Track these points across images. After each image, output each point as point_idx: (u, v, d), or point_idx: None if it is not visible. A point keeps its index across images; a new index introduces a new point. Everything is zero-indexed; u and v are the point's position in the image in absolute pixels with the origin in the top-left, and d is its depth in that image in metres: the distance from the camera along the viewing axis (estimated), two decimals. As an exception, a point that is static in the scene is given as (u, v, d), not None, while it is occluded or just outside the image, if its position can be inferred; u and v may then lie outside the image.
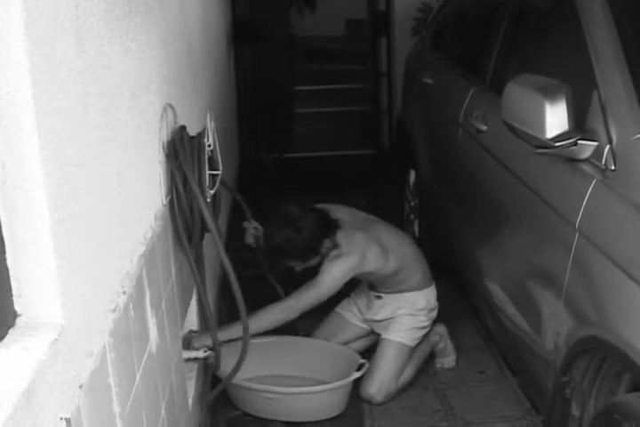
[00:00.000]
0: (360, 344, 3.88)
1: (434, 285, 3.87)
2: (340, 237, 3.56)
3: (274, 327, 3.55)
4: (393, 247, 3.70)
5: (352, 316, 3.92)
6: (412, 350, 3.76)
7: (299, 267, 3.59)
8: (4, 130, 1.29)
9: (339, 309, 3.95)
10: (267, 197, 6.20)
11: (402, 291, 3.77)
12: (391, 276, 3.70)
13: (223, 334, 3.25)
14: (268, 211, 3.60)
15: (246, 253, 3.94)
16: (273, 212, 3.57)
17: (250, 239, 3.81)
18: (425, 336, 3.84)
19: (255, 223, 3.72)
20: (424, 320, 3.79)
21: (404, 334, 3.72)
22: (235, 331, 3.21)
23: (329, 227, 3.53)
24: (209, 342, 3.11)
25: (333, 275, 3.52)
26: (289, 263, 3.57)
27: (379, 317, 3.82)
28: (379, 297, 3.82)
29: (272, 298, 3.85)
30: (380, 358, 3.67)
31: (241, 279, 2.77)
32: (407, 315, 3.75)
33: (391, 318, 3.77)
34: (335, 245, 3.54)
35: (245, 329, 2.89)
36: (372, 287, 3.86)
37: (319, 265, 3.58)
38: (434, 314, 3.85)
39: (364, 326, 3.90)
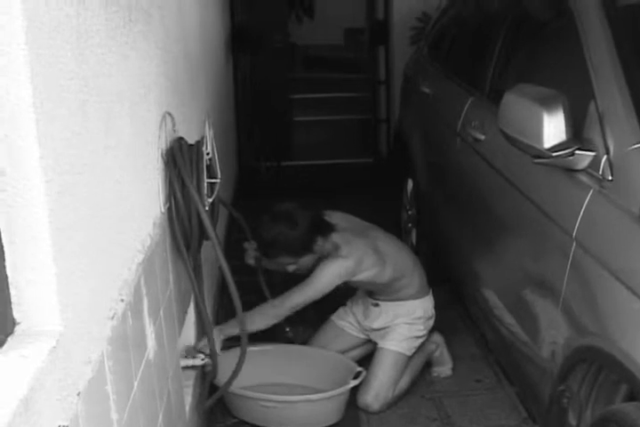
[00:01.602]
0: (356, 353, 3.88)
1: (431, 293, 3.87)
2: (340, 240, 3.57)
3: (266, 326, 3.54)
4: (390, 255, 3.70)
5: (348, 325, 3.92)
6: (409, 360, 3.76)
7: (292, 267, 3.58)
8: (5, 138, 1.29)
9: (335, 318, 3.95)
10: (264, 205, 6.20)
11: (399, 299, 3.77)
12: (388, 284, 3.70)
13: (223, 329, 3.36)
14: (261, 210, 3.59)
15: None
16: (267, 208, 3.57)
17: (250, 260, 3.80)
18: (421, 345, 3.84)
19: (256, 244, 3.71)
20: (421, 329, 3.79)
21: (402, 343, 3.72)
22: (233, 326, 3.27)
23: (322, 226, 3.54)
24: (235, 331, 3.16)
25: (326, 275, 3.51)
26: (281, 261, 3.56)
27: (376, 325, 3.82)
28: (376, 305, 3.82)
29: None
30: (377, 366, 3.67)
31: (240, 285, 2.78)
32: (404, 324, 3.75)
33: (388, 326, 3.77)
34: (335, 247, 3.55)
35: (244, 336, 2.89)
36: (370, 294, 3.86)
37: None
38: (431, 323, 3.85)
39: (361, 335, 3.90)
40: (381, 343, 3.74)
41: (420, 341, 3.80)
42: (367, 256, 3.59)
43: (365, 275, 3.61)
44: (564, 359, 2.62)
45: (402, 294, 3.76)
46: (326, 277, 3.52)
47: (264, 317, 3.51)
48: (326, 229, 3.55)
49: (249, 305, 3.35)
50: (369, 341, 3.88)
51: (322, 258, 3.60)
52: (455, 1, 5.19)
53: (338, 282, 3.55)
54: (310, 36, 10.63)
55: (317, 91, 9.11)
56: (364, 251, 3.59)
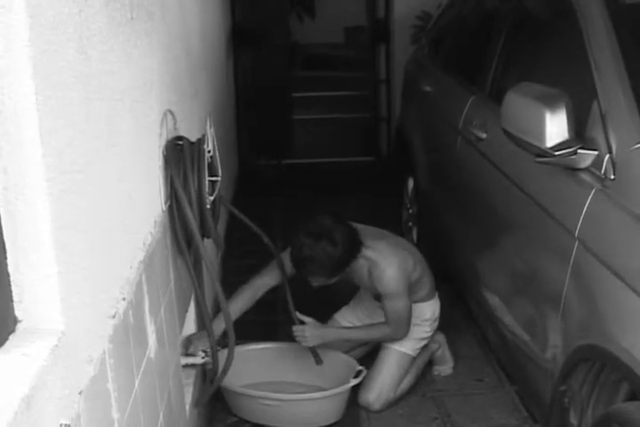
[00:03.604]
0: (358, 351, 3.86)
1: (437, 295, 3.86)
2: (372, 254, 3.49)
3: (370, 339, 3.72)
4: (414, 254, 3.70)
5: (348, 324, 3.89)
6: (414, 360, 3.75)
7: (318, 283, 3.49)
8: (7, 135, 1.29)
9: (338, 317, 3.93)
10: (265, 203, 6.21)
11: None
12: (413, 285, 3.63)
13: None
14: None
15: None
16: (304, 222, 3.46)
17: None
18: (425, 346, 3.84)
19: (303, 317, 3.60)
20: (427, 331, 3.78)
21: (407, 343, 3.70)
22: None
23: (357, 242, 3.45)
24: (206, 344, 3.10)
25: (394, 282, 3.48)
26: (312, 278, 3.46)
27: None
28: (383, 308, 3.79)
29: (270, 306, 3.82)
30: (381, 366, 3.65)
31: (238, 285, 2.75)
32: (412, 325, 3.72)
33: None
34: (372, 262, 3.49)
35: (231, 333, 2.87)
36: (377, 298, 3.78)
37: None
38: (436, 325, 3.84)
39: None
40: (386, 343, 3.73)
41: (425, 342, 3.79)
42: (405, 258, 3.56)
43: (414, 275, 3.59)
44: (566, 359, 2.61)
45: (414, 297, 3.69)
46: (396, 282, 3.48)
47: (375, 332, 3.63)
48: (360, 245, 3.46)
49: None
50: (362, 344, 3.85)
51: (350, 275, 3.57)
52: (456, -1, 5.18)
53: (404, 283, 3.52)
54: (311, 35, 10.65)
55: (318, 89, 9.12)
56: (395, 254, 3.54)
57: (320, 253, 3.32)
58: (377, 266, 3.49)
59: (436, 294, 3.85)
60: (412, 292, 3.64)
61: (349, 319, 3.91)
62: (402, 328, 3.58)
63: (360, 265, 3.51)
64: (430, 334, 3.81)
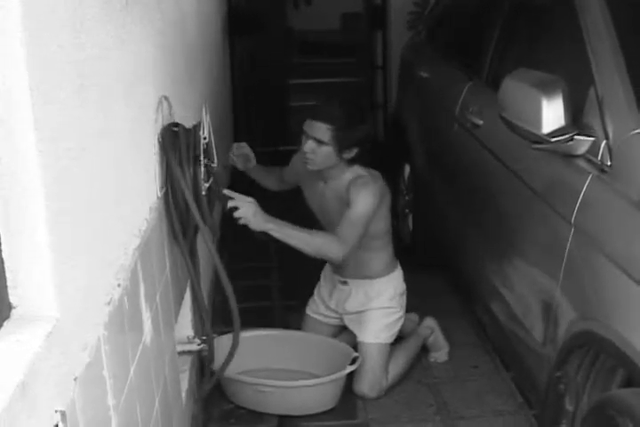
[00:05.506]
0: (344, 339, 3.82)
1: (399, 266, 3.81)
2: (364, 171, 3.54)
3: (301, 248, 3.30)
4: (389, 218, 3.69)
5: (321, 317, 3.88)
6: (391, 345, 3.72)
7: (311, 147, 3.43)
8: (1, 122, 1.28)
9: (308, 310, 3.92)
10: (261, 189, 6.20)
11: (368, 277, 3.70)
12: (372, 239, 3.56)
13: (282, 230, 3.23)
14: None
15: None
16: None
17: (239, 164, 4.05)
18: (415, 330, 3.85)
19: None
20: (397, 311, 3.73)
21: (380, 333, 3.68)
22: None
23: (362, 154, 3.51)
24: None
25: (366, 199, 3.42)
26: (319, 136, 3.42)
27: (349, 307, 3.75)
28: (344, 283, 3.74)
29: (265, 293, 3.82)
30: (363, 360, 3.60)
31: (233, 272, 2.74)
32: (379, 309, 3.69)
33: (363, 311, 3.71)
34: (357, 175, 3.50)
35: (236, 321, 2.85)
36: (337, 271, 3.77)
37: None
38: (404, 299, 3.78)
39: (336, 321, 3.85)
40: (360, 336, 3.68)
41: (399, 325, 3.74)
42: (387, 196, 3.58)
43: (381, 212, 3.56)
44: (562, 345, 2.62)
45: (372, 269, 3.68)
46: (370, 200, 3.43)
47: (317, 238, 3.32)
48: (358, 158, 3.52)
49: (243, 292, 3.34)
50: (346, 327, 3.82)
51: (329, 177, 3.56)
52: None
53: (375, 208, 3.45)
54: (307, 21, 10.61)
55: (314, 76, 9.10)
56: (383, 185, 3.57)
57: (352, 110, 3.50)
58: (362, 177, 3.49)
59: (397, 264, 3.80)
60: (362, 261, 3.62)
61: (319, 311, 3.89)
62: (345, 245, 3.34)
63: (344, 181, 3.51)
64: (402, 312, 3.76)
